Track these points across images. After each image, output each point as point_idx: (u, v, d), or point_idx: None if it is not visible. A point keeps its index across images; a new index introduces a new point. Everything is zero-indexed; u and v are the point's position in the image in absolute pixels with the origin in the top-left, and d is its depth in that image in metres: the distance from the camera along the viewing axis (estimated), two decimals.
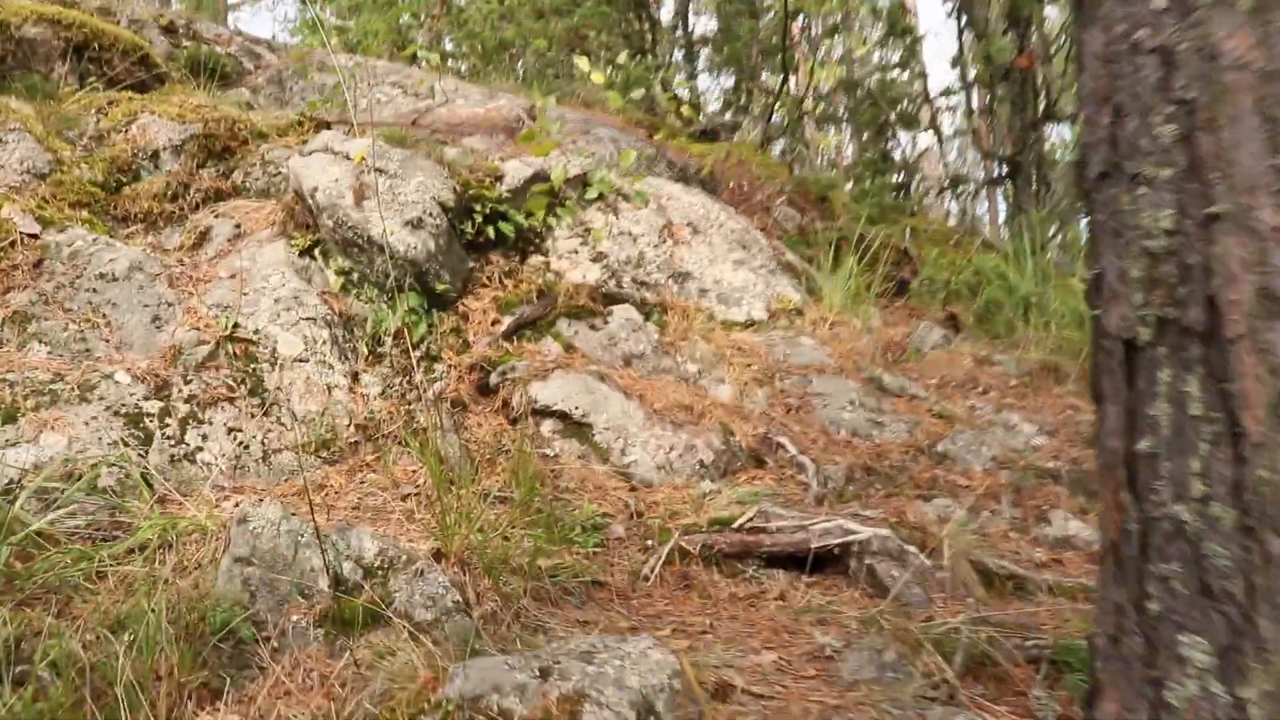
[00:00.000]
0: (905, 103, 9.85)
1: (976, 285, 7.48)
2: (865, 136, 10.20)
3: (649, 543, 4.11)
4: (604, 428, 4.63)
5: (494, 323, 5.17)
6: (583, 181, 5.92)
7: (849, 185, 8.99)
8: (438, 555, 3.60)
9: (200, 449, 4.18)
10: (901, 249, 7.92)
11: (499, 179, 5.69)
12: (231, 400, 4.39)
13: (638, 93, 6.20)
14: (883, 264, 7.67)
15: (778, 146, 9.80)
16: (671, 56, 10.35)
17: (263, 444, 4.31)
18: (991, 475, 5.15)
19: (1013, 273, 7.50)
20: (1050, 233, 8.31)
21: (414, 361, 4.73)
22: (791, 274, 6.37)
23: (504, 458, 4.46)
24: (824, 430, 5.15)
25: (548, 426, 4.67)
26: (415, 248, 4.99)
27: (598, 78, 5.51)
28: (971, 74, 9.13)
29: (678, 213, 6.14)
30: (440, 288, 5.04)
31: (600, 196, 5.60)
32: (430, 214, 5.16)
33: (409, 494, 4.16)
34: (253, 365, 4.55)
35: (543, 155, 4.87)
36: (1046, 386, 6.36)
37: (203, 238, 5.43)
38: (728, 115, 10.22)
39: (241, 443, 4.27)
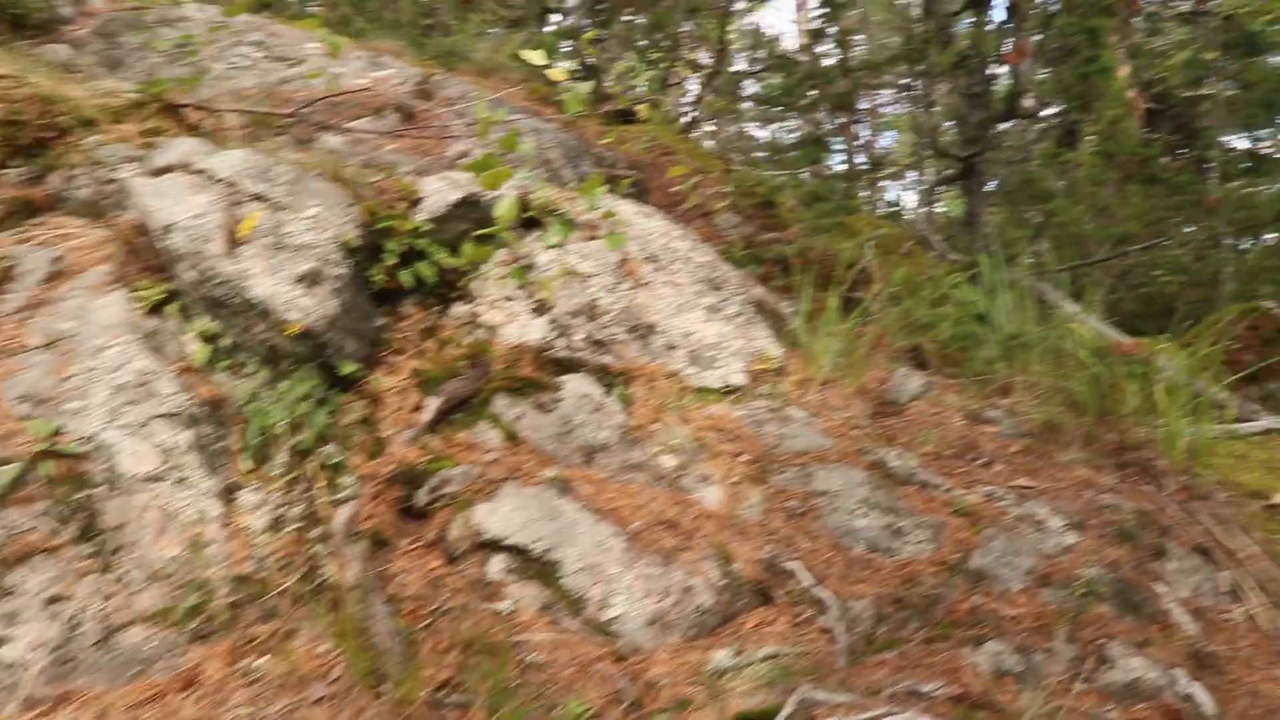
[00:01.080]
0: (839, 82, 8.88)
1: (943, 309, 6.60)
2: (799, 120, 9.18)
3: None
4: (575, 567, 3.53)
5: (415, 407, 3.98)
6: (520, 204, 4.73)
7: (785, 175, 7.96)
8: None
9: (5, 640, 2.91)
10: (861, 266, 6.98)
11: (416, 203, 4.46)
12: (53, 551, 3.12)
13: (584, 86, 4.98)
14: (845, 286, 6.74)
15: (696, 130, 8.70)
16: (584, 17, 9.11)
17: (101, 618, 3.05)
18: (1033, 596, 4.28)
19: (985, 301, 6.63)
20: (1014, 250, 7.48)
21: (313, 474, 3.52)
22: (764, 316, 5.34)
23: (446, 621, 3.31)
24: (837, 544, 4.16)
25: (499, 565, 3.53)
26: (312, 312, 3.75)
27: (557, 74, 4.22)
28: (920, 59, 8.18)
29: (634, 242, 5.01)
30: (346, 368, 3.81)
31: (551, 231, 4.41)
32: (331, 261, 3.91)
33: (322, 697, 2.98)
34: (83, 493, 3.27)
35: (494, 188, 3.69)
36: (1051, 452, 5.54)
37: (6, 275, 4.04)
38: (641, 89, 9.05)
39: (70, 620, 3.00)
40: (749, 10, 10.07)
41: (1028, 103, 7.75)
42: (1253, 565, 5.06)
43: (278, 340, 3.72)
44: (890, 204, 10.70)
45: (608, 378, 4.40)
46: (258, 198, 3.89)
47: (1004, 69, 7.30)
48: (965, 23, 7.88)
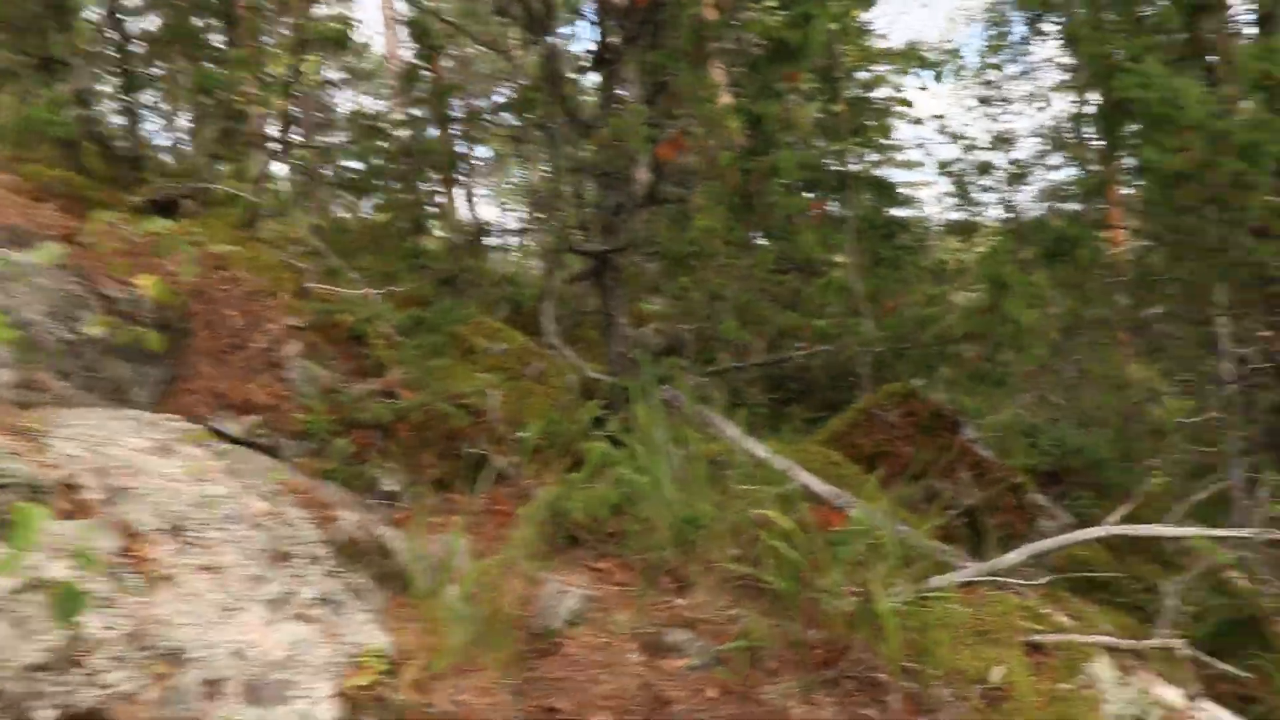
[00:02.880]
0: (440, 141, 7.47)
1: (595, 485, 5.34)
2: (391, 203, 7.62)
3: None
4: None
5: None
6: None
7: (380, 295, 6.42)
8: None
9: None
10: (480, 413, 5.58)
11: None
12: None
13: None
14: (468, 448, 5.36)
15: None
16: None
17: None
18: None
19: (644, 462, 5.43)
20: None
21: None
22: (361, 567, 3.83)
23: None
24: None
25: None
26: None
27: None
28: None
29: (144, 503, 3.32)
30: None
31: None
32: None
33: None
34: None
35: None
36: (756, 685, 4.43)
37: None
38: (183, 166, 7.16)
39: None
40: (330, 57, 8.43)
41: (671, 188, 6.69)
42: None
43: None
44: (509, 281, 9.40)
45: None
46: None
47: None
48: (598, 93, 6.72)
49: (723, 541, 5.05)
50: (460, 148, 9.28)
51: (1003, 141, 20.24)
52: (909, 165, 20.99)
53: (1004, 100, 23.09)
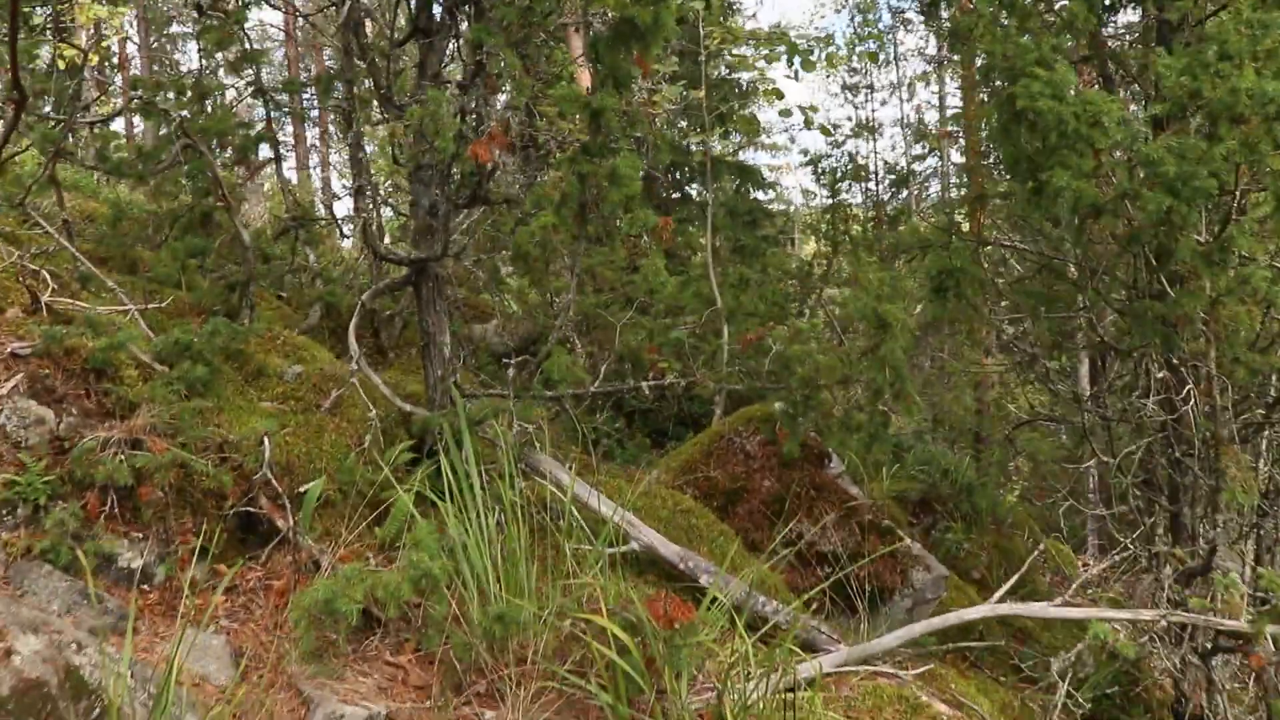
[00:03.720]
0: (239, 136, 6.30)
1: (396, 563, 4.35)
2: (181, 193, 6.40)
3: None
4: None
5: None
6: None
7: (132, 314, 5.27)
8: None
9: None
10: (260, 474, 4.51)
11: None
12: None
13: None
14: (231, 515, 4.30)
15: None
16: None
17: None
18: None
19: (458, 518, 4.47)
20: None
21: None
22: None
23: None
24: None
25: None
26: None
27: None
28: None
29: None
30: None
31: None
32: None
33: None
34: None
35: None
36: None
37: None
38: None
39: None
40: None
41: (499, 187, 5.69)
42: None
43: None
44: (325, 278, 8.26)
45: None
46: None
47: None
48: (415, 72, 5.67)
49: (543, 636, 4.13)
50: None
51: (867, 129, 19.80)
52: (774, 148, 20.47)
53: (869, 88, 22.76)
